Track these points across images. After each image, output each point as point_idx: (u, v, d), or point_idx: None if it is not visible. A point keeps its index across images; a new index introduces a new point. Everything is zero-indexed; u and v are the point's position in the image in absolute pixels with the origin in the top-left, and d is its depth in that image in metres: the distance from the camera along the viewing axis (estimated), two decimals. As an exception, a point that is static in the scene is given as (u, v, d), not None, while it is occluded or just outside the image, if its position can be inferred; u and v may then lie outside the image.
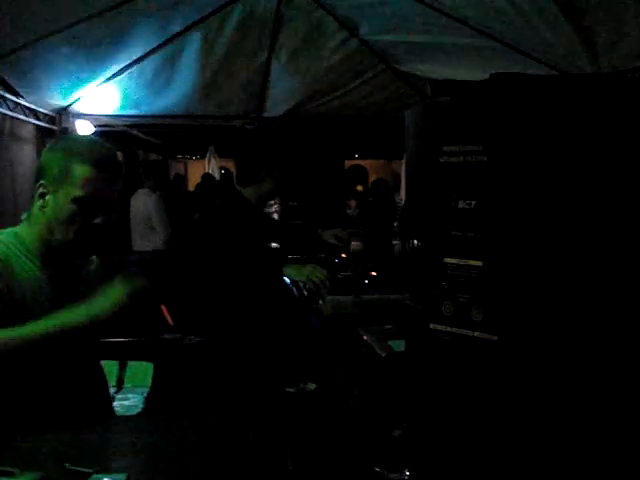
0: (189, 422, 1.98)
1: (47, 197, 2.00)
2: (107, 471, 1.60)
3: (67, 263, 2.11)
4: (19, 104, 5.08)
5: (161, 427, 1.97)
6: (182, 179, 11.54)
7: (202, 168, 13.41)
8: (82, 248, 2.08)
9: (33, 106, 5.41)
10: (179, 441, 1.82)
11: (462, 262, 1.66)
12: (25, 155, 5.52)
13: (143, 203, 7.08)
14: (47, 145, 2.19)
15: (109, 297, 1.91)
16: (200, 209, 8.35)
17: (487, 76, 1.69)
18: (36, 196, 2.03)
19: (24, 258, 2.00)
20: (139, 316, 2.10)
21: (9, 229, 2.09)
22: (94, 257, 2.29)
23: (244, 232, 3.45)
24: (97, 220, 2.03)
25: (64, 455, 1.69)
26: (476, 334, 1.64)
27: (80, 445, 1.79)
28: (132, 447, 1.82)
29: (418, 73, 5.67)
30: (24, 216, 2.10)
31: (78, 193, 1.96)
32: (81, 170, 1.96)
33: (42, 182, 2.01)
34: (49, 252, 2.04)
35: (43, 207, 2.01)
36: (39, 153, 5.83)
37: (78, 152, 2.00)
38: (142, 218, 7.08)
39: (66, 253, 2.07)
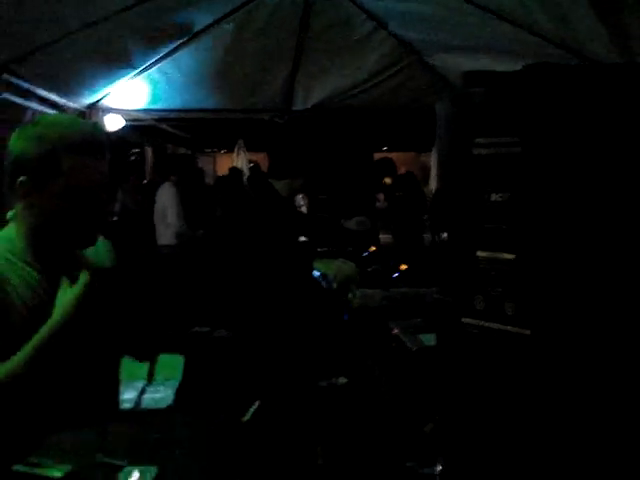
0: (219, 416, 1.99)
1: (31, 195, 1.79)
2: (138, 464, 1.61)
3: (67, 258, 1.92)
4: (48, 99, 5.11)
5: (191, 420, 1.97)
6: (202, 173, 11.57)
7: (230, 162, 13.45)
8: (80, 239, 1.90)
9: (63, 101, 5.44)
10: (209, 435, 1.82)
11: (494, 255, 1.64)
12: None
13: (163, 197, 7.18)
14: (16, 132, 1.87)
15: (61, 303, 1.78)
16: (227, 202, 8.38)
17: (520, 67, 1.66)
18: (18, 194, 1.81)
19: (18, 263, 1.83)
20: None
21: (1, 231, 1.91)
22: (100, 242, 2.10)
23: (275, 225, 3.46)
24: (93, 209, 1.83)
25: (95, 447, 1.70)
26: (509, 328, 1.62)
27: (111, 438, 1.79)
28: (163, 440, 1.82)
29: (448, 65, 5.63)
30: (10, 215, 1.89)
31: (66, 185, 1.77)
32: (66, 160, 1.76)
33: (22, 179, 1.78)
34: (44, 251, 1.88)
35: (29, 206, 1.81)
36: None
37: (58, 138, 1.77)
38: (161, 211, 7.19)
39: (63, 248, 1.91)
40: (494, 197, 1.63)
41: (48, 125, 1.86)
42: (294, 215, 3.92)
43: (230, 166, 11.56)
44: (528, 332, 1.59)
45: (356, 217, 3.90)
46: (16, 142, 1.83)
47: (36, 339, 1.74)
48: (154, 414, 2.54)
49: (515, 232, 1.60)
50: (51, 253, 1.89)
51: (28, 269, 1.84)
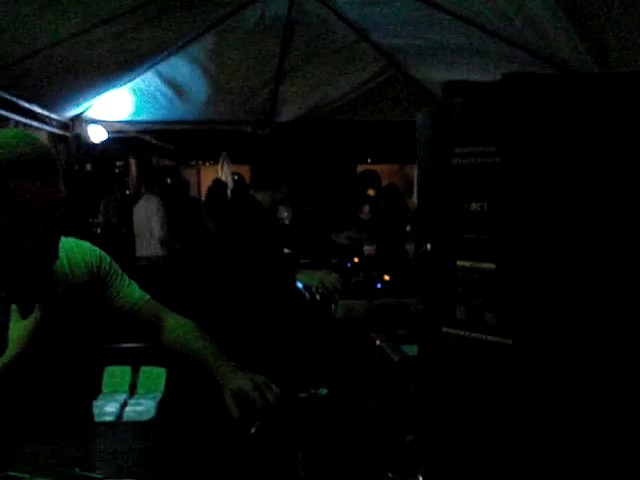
0: (200, 428, 1.98)
1: None
2: (117, 477, 1.59)
3: (30, 286, 1.86)
4: (31, 111, 5.10)
5: (172, 433, 1.96)
6: (186, 184, 11.59)
7: (215, 174, 13.45)
8: (33, 262, 1.80)
9: (45, 112, 5.43)
10: (189, 447, 1.81)
11: (475, 265, 1.64)
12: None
13: (144, 208, 7.16)
14: None
15: (14, 337, 1.73)
16: (212, 215, 8.36)
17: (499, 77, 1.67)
18: None
19: None
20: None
21: None
22: (80, 252, 2.07)
23: (258, 237, 3.45)
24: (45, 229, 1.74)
25: (74, 461, 1.68)
26: (490, 338, 1.62)
27: (90, 451, 1.78)
28: (142, 453, 1.81)
29: (429, 77, 5.67)
30: None
31: (18, 211, 1.68)
32: (12, 182, 1.65)
33: None
34: (7, 280, 1.83)
35: None
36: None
37: (4, 161, 1.65)
38: (143, 223, 7.16)
39: (18, 271, 1.83)
40: (474, 206, 1.63)
41: None
42: (278, 226, 3.90)
43: (214, 178, 11.58)
44: (509, 342, 1.59)
45: (346, 231, 3.89)
46: None
47: None
48: (135, 426, 2.52)
49: (495, 241, 1.60)
50: (7, 276, 1.82)
51: None
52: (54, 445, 1.79)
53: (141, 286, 2.24)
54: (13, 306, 1.77)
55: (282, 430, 1.82)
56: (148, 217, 7.15)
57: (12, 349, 1.73)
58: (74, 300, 1.97)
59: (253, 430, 1.80)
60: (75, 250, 2.07)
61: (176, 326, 2.18)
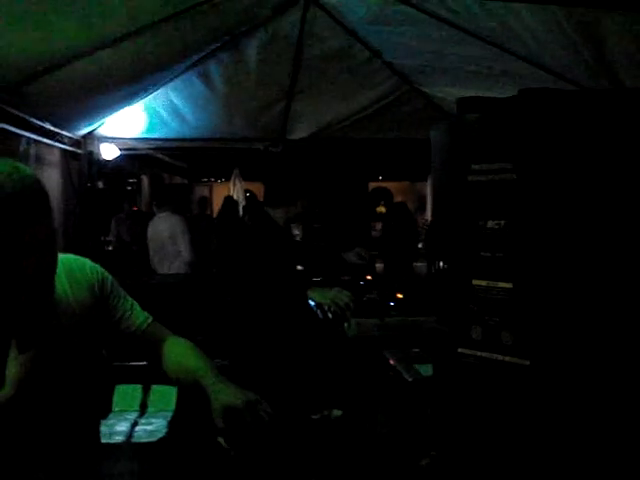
0: (211, 448, 1.94)
1: None
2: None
3: (34, 317, 1.76)
4: (43, 128, 5.11)
5: (182, 453, 1.93)
6: (205, 201, 11.59)
7: (227, 191, 13.47)
8: (37, 301, 1.72)
9: (57, 130, 5.44)
10: (201, 467, 1.78)
11: (491, 284, 1.61)
12: (50, 179, 5.55)
13: (167, 225, 7.06)
14: None
15: (9, 376, 1.67)
16: (224, 232, 8.35)
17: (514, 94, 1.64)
18: None
19: None
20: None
21: None
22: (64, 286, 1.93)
23: (272, 254, 3.44)
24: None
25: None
26: (507, 359, 1.59)
27: (100, 472, 1.75)
28: (152, 472, 1.78)
29: (442, 95, 5.65)
30: None
31: (7, 250, 1.54)
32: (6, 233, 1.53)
33: None
34: (6, 314, 1.71)
35: None
36: (65, 176, 5.87)
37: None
38: (165, 240, 7.06)
39: (26, 310, 1.73)
40: (490, 224, 1.60)
41: None
42: (291, 244, 3.88)
43: (226, 195, 11.60)
44: (527, 362, 1.56)
45: (356, 248, 3.85)
46: None
47: None
48: (144, 446, 2.49)
49: (512, 260, 1.57)
50: (6, 310, 1.70)
51: None
52: (60, 468, 1.76)
53: (158, 303, 2.20)
54: (13, 340, 1.70)
55: (292, 452, 1.78)
56: (173, 237, 7.03)
57: (7, 388, 1.67)
58: (77, 327, 1.90)
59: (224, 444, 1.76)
60: (75, 270, 1.97)
61: (174, 347, 2.14)
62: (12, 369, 1.69)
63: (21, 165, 1.63)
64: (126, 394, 3.70)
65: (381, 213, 8.78)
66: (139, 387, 3.83)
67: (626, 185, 1.51)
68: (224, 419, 1.79)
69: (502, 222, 1.58)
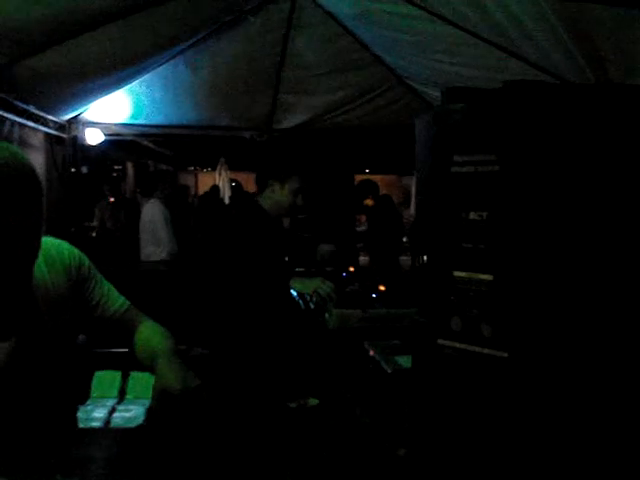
0: (187, 436, 1.93)
1: None
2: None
3: (12, 305, 1.76)
4: (28, 111, 5.06)
5: (158, 440, 1.91)
6: (186, 189, 11.52)
7: (212, 180, 13.42)
8: (20, 281, 1.73)
9: (42, 114, 5.39)
10: (176, 455, 1.76)
11: (472, 276, 1.60)
12: (34, 163, 5.48)
13: (150, 213, 7.04)
14: None
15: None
16: (208, 221, 8.31)
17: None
18: None
19: None
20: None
21: None
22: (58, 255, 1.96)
23: (256, 243, 3.41)
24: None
25: (55, 467, 1.64)
26: (485, 350, 1.58)
27: (72, 457, 1.74)
28: (126, 459, 1.77)
29: (428, 90, 5.65)
30: None
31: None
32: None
33: None
34: None
35: None
36: (48, 161, 5.82)
37: None
38: (148, 228, 7.04)
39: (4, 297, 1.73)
40: (472, 216, 1.60)
41: None
42: (281, 233, 3.84)
43: (212, 184, 11.57)
44: (505, 355, 1.55)
45: (330, 244, 3.81)
46: None
47: None
48: (122, 433, 2.47)
49: (493, 252, 1.56)
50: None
51: None
52: (35, 452, 1.74)
53: (139, 291, 2.17)
54: None
55: (271, 441, 1.78)
56: (154, 225, 6.99)
57: None
58: (55, 312, 1.89)
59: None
60: (53, 253, 1.95)
61: (143, 331, 2.11)
62: None
63: (14, 148, 1.65)
64: (105, 380, 3.67)
65: (367, 206, 8.76)
66: (118, 374, 3.81)
67: (609, 178, 1.51)
68: (158, 401, 1.77)
69: (484, 214, 1.58)
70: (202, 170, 18.63)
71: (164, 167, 14.70)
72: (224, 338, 3.46)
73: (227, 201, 11.60)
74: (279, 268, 3.69)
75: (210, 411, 1.82)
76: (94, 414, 3.34)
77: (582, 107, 1.54)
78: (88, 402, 3.47)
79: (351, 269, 5.01)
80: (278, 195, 3.58)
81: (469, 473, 1.61)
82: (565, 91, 1.64)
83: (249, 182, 10.39)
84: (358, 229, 10.03)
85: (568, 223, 1.51)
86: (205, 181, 17.08)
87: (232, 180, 13.41)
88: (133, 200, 10.45)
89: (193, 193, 15.71)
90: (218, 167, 12.85)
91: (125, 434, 2.30)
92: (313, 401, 2.09)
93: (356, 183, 10.08)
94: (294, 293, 3.72)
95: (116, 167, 14.66)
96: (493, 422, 1.58)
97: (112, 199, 9.93)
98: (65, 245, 2.01)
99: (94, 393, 3.60)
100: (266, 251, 3.48)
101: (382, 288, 4.14)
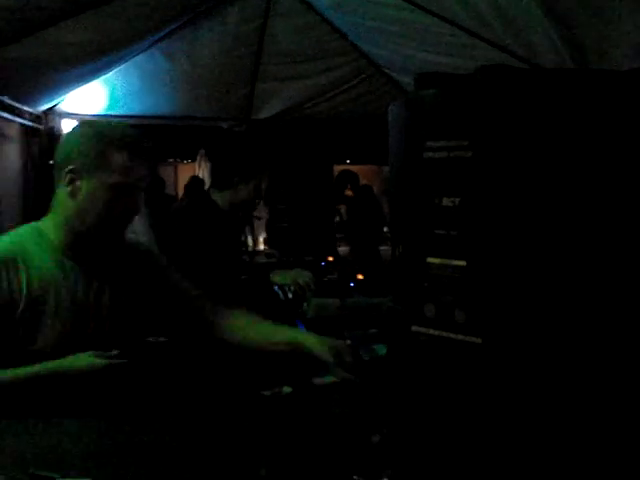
0: (159, 426, 1.91)
1: (78, 183, 1.95)
2: (72, 476, 1.54)
3: (98, 253, 2.06)
4: (2, 102, 4.99)
5: (129, 431, 1.90)
6: (162, 182, 11.38)
7: (193, 172, 13.33)
8: (114, 235, 2.06)
9: (17, 105, 5.32)
10: (148, 445, 1.75)
11: (445, 262, 1.60)
12: (10, 154, 5.43)
13: None
14: (73, 129, 2.15)
15: (79, 361, 1.89)
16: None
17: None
18: (63, 182, 1.98)
19: (47, 253, 1.96)
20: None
21: (31, 224, 2.07)
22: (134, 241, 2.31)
23: (206, 234, 3.34)
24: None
25: (28, 460, 1.62)
26: (459, 337, 1.58)
27: (44, 449, 1.72)
28: (98, 451, 1.75)
29: (408, 80, 5.64)
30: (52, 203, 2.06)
31: (115, 180, 1.93)
32: (119, 157, 1.93)
33: (71, 167, 1.95)
34: (77, 243, 2.00)
35: (73, 194, 1.96)
36: (24, 153, 5.74)
37: (114, 138, 1.96)
38: None
39: (97, 241, 2.03)
40: (445, 202, 1.59)
41: (104, 126, 2.05)
42: (231, 228, 3.70)
43: (192, 175, 11.47)
44: (479, 341, 1.55)
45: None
46: (72, 136, 2.05)
47: (34, 369, 1.85)
48: (90, 423, 2.45)
49: (466, 238, 1.56)
50: (85, 243, 2.01)
51: (56, 259, 1.97)
52: (5, 443, 1.73)
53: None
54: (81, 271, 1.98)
55: (244, 429, 1.77)
56: None
57: (67, 364, 1.87)
58: (134, 276, 2.16)
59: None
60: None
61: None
62: (80, 359, 1.90)
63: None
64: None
65: (348, 196, 8.76)
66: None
67: (583, 164, 1.51)
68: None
69: (457, 200, 1.57)
70: (182, 162, 18.51)
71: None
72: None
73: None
74: (227, 259, 3.58)
75: (184, 400, 1.81)
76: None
77: (556, 92, 1.53)
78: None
79: (330, 259, 5.01)
80: (239, 193, 3.51)
81: (443, 459, 1.61)
82: (539, 76, 1.64)
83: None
84: (337, 219, 10.02)
85: (541, 209, 1.51)
86: (185, 173, 16.94)
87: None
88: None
89: (173, 185, 15.58)
90: (198, 158, 12.77)
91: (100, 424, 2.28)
92: (287, 389, 2.09)
93: (336, 173, 10.07)
94: (273, 283, 3.71)
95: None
96: (467, 409, 1.58)
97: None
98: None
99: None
100: (216, 245, 3.40)
101: (360, 277, 4.15)
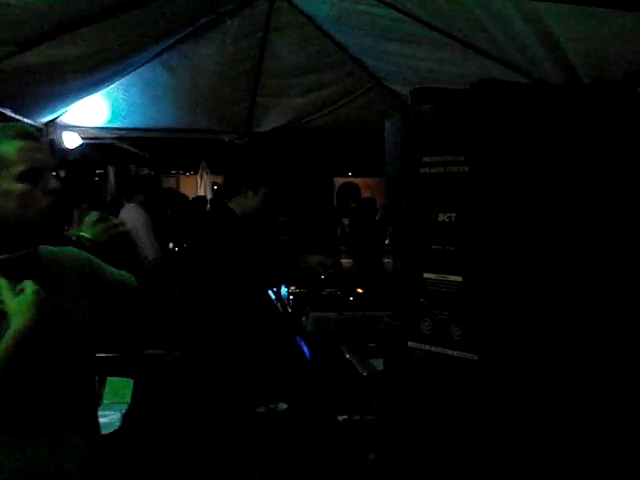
0: (160, 441, 1.91)
1: None
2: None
3: (26, 263, 1.95)
4: (3, 114, 4.99)
5: (132, 445, 1.88)
6: (170, 192, 11.36)
7: (194, 184, 13.35)
8: (43, 228, 1.95)
9: (18, 117, 5.32)
10: (148, 459, 1.74)
11: (441, 277, 1.59)
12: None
13: (129, 218, 6.88)
14: None
15: (16, 310, 1.79)
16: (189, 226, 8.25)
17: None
18: None
19: None
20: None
21: None
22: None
23: (231, 244, 3.38)
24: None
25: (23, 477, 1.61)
26: (455, 353, 1.57)
27: (37, 465, 1.70)
28: (102, 466, 1.74)
29: (404, 92, 5.64)
30: None
31: (20, 169, 1.85)
32: (12, 146, 1.87)
33: None
34: (6, 243, 1.91)
35: None
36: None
37: (6, 134, 1.90)
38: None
39: (26, 238, 1.93)
40: (441, 217, 1.58)
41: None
42: (249, 235, 3.79)
43: (194, 189, 11.50)
44: (475, 357, 1.54)
45: (319, 255, 3.81)
46: None
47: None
48: (97, 438, 2.44)
49: (462, 253, 1.55)
50: (14, 243, 1.91)
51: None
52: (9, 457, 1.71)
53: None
54: (3, 282, 1.82)
55: (239, 445, 1.76)
56: (135, 230, 6.76)
57: (18, 320, 1.76)
58: (64, 287, 2.04)
59: None
60: (61, 256, 2.15)
61: None
62: (14, 305, 1.78)
63: None
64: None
65: (351, 208, 8.74)
66: (95, 379, 3.78)
67: (578, 178, 1.50)
68: None
69: (453, 215, 1.56)
70: (184, 174, 18.54)
71: (146, 171, 14.62)
72: (200, 342, 3.44)
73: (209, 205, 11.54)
74: (252, 270, 3.64)
75: (183, 415, 1.80)
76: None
77: (551, 107, 1.53)
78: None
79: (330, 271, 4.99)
80: (250, 201, 3.55)
81: (439, 474, 1.60)
82: (533, 91, 1.63)
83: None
84: (340, 232, 10.00)
85: (537, 224, 1.50)
86: (187, 185, 16.98)
87: (214, 184, 13.36)
88: (114, 204, 10.34)
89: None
90: (200, 171, 12.80)
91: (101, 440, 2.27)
92: (282, 406, 2.07)
93: (338, 186, 10.07)
94: (272, 296, 3.71)
95: (98, 171, 14.55)
96: (463, 426, 1.57)
97: (85, 204, 9.79)
98: (68, 249, 2.23)
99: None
100: (239, 254, 3.45)
101: (360, 291, 4.13)
